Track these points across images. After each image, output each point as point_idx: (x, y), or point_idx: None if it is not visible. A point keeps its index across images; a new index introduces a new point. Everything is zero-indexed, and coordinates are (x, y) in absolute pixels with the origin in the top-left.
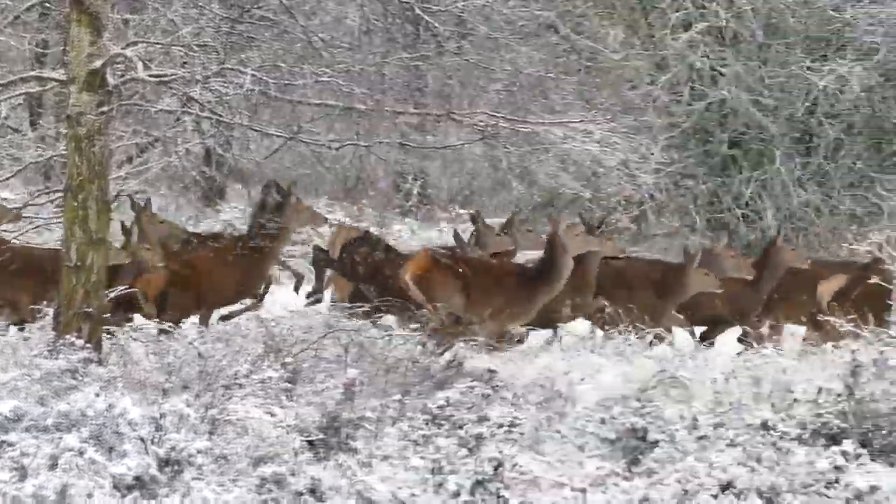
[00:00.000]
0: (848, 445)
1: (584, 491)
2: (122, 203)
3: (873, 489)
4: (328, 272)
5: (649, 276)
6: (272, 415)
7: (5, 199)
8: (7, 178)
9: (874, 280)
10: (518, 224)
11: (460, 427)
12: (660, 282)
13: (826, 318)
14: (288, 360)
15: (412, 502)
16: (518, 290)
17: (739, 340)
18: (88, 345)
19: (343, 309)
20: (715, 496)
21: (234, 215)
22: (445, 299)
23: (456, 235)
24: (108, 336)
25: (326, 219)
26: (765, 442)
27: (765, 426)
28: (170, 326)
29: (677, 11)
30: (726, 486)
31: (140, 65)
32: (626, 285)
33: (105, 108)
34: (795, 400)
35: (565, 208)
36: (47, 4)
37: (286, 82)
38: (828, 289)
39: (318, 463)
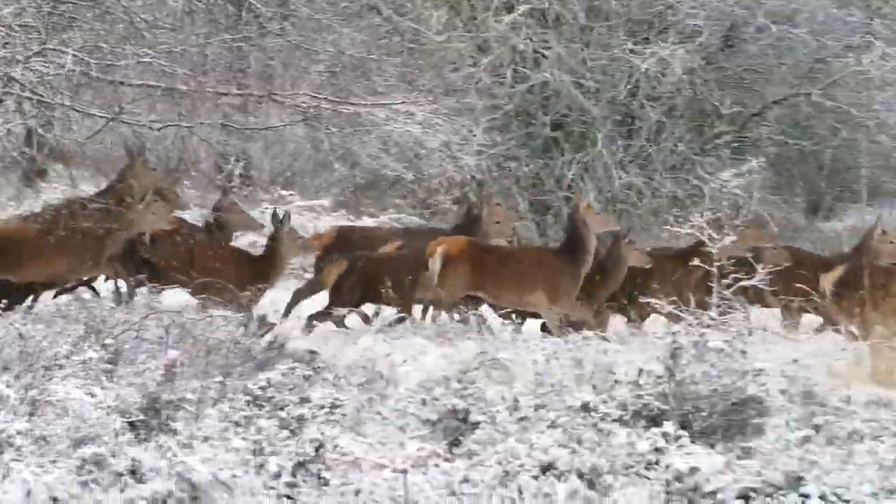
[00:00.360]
0: (668, 427)
1: (405, 472)
2: None
3: (693, 470)
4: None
5: None
6: (92, 396)
7: None
8: None
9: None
10: None
11: (282, 408)
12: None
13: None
14: (108, 341)
15: (233, 483)
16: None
17: (543, 329)
18: None
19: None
20: (535, 477)
21: (54, 195)
22: (471, 286)
23: (274, 216)
24: None
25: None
26: (585, 423)
27: (585, 408)
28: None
29: None
30: (547, 468)
31: None
32: None
33: None
34: (616, 382)
35: (388, 190)
36: None
37: (108, 63)
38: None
39: (138, 444)
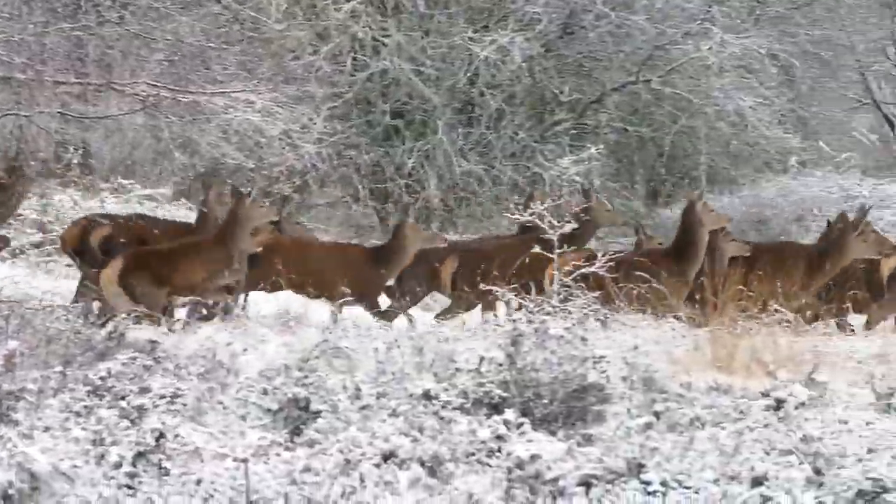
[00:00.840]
0: (510, 414)
1: (245, 461)
2: None
3: (534, 458)
4: None
5: None
6: None
7: None
8: None
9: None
10: None
11: (122, 398)
12: None
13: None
14: None
15: (74, 474)
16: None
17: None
18: None
19: None
20: (377, 466)
21: None
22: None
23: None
24: None
25: None
26: (427, 411)
27: (427, 396)
28: None
29: None
30: (388, 456)
31: None
32: None
33: None
34: (458, 369)
35: (228, 178)
36: None
37: None
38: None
39: None
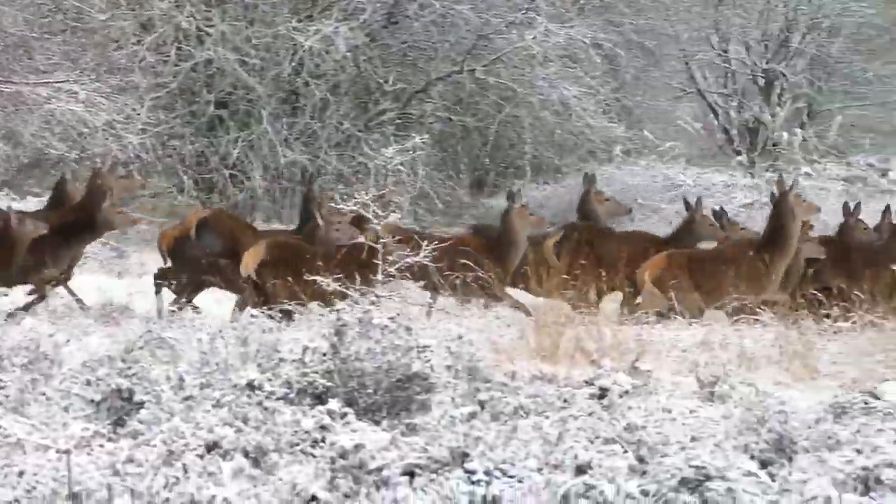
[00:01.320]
0: (334, 404)
1: (68, 452)
2: None
3: (358, 447)
4: None
5: None
6: None
7: None
8: None
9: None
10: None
11: None
12: None
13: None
14: None
15: None
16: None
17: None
18: None
19: None
20: (201, 456)
21: None
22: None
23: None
24: None
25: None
26: (251, 402)
27: (251, 386)
28: None
29: None
30: (212, 447)
31: None
32: None
33: None
34: (282, 360)
35: (51, 169)
36: None
37: None
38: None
39: None
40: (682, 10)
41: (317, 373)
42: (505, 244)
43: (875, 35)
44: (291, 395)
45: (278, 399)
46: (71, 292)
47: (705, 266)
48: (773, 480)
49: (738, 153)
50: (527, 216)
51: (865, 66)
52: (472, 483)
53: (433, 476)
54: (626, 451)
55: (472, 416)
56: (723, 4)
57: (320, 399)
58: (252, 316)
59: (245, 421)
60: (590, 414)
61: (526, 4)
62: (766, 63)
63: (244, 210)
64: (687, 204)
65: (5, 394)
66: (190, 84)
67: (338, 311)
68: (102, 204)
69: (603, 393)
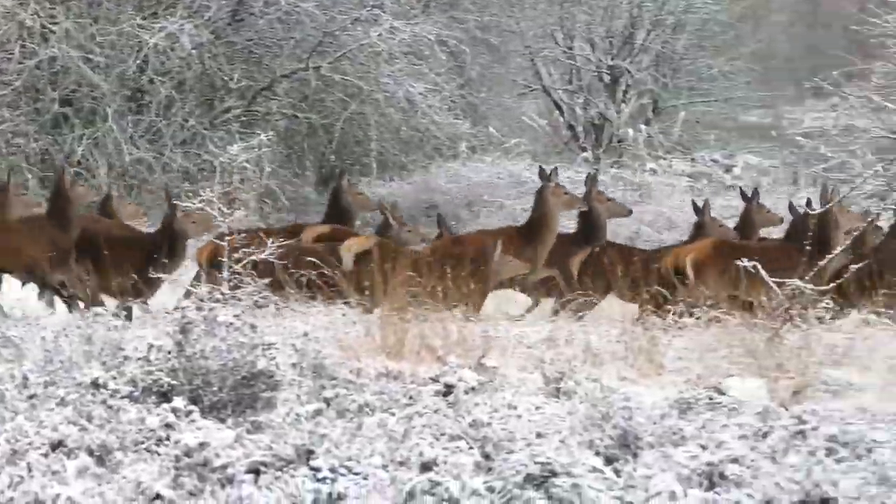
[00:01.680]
0: (179, 402)
1: None
2: None
3: (202, 445)
4: None
5: None
6: None
7: None
8: None
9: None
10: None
11: None
12: None
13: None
14: None
15: None
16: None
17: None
18: None
19: None
20: (45, 455)
21: None
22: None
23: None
24: None
25: None
26: (95, 400)
27: (95, 384)
28: None
29: None
30: (57, 445)
31: None
32: None
33: None
34: (126, 358)
35: None
36: None
37: None
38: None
39: None
40: (528, 6)
41: (162, 371)
42: (537, 225)
43: (719, 31)
44: (136, 394)
45: (123, 397)
46: None
47: (751, 258)
48: (619, 476)
49: (584, 149)
50: (561, 195)
51: (710, 62)
52: (318, 480)
53: (278, 474)
54: (471, 448)
55: (318, 413)
56: (568, 1)
57: (165, 397)
58: (96, 314)
59: (90, 419)
60: (435, 411)
61: (371, 2)
62: (611, 60)
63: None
64: (744, 195)
65: None
66: (34, 81)
67: (183, 308)
68: None
69: (448, 390)
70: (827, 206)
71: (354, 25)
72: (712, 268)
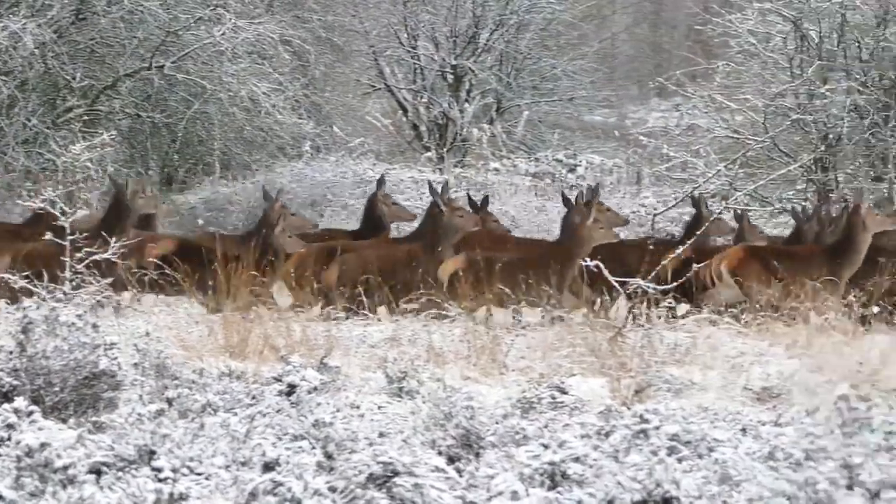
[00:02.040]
0: (20, 402)
1: None
2: None
3: (44, 446)
4: None
5: None
6: None
7: None
8: None
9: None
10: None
11: None
12: None
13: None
14: None
15: None
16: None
17: None
18: None
19: None
20: None
21: None
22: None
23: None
24: None
25: None
26: None
27: None
28: None
29: None
30: None
31: None
32: None
33: None
34: None
35: None
36: None
37: None
38: None
39: None
40: (371, 6)
41: (3, 371)
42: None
43: (563, 31)
44: None
45: None
46: None
47: (782, 262)
48: (461, 476)
49: (427, 149)
50: (604, 211)
51: (553, 62)
52: (160, 481)
53: (120, 474)
54: (314, 448)
55: (160, 413)
56: (411, 1)
57: (6, 397)
58: None
59: None
60: (278, 410)
61: (214, 1)
62: (455, 59)
63: None
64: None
65: None
66: None
67: (24, 308)
68: None
69: (291, 389)
70: (855, 208)
71: (198, 25)
72: (750, 273)
